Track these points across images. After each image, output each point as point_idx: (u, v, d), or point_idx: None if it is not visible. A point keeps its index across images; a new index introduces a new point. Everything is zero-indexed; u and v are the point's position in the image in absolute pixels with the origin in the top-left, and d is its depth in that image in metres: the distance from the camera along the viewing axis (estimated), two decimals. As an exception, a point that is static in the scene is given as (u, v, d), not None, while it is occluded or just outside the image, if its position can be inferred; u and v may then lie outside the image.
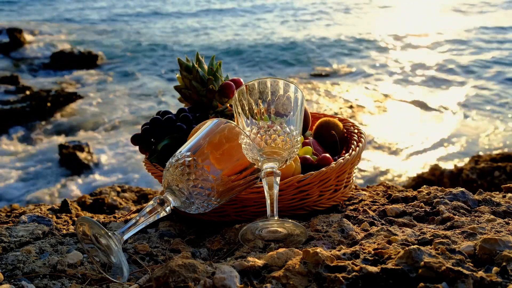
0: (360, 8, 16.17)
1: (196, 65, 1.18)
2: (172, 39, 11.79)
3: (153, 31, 12.90)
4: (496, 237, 0.67)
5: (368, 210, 0.96)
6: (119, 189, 1.91)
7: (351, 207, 1.00)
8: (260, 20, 14.50)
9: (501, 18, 12.84)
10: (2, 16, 15.83)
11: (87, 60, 10.16)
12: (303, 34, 11.84)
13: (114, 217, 1.13)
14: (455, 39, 10.69)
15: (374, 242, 0.76)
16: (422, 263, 0.59)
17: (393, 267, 0.60)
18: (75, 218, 1.10)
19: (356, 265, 0.63)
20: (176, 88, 1.21)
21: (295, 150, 0.87)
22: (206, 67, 1.20)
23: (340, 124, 1.19)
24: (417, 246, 0.63)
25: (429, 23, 12.89)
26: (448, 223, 0.84)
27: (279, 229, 0.80)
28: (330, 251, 0.71)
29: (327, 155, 1.00)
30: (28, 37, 12.11)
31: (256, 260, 0.67)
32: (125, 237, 0.72)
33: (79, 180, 5.02)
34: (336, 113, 6.69)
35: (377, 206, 0.99)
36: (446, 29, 11.72)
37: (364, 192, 1.12)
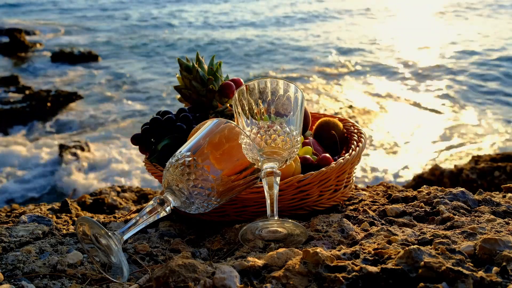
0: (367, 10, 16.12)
1: (196, 65, 1.18)
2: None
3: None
4: (496, 237, 0.67)
5: (368, 210, 0.96)
6: (119, 189, 1.91)
7: (351, 207, 1.00)
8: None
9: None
10: (2, 16, 15.83)
11: (88, 60, 10.18)
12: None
13: (114, 217, 1.13)
14: (456, 41, 10.69)
15: (374, 242, 0.76)
16: (422, 263, 0.59)
17: (393, 267, 0.60)
18: (75, 218, 1.10)
19: (356, 265, 0.63)
20: (176, 88, 1.21)
21: (295, 150, 0.87)
22: (206, 67, 1.20)
23: (340, 124, 1.19)
24: (417, 246, 0.63)
25: (430, 26, 12.88)
26: (448, 223, 0.84)
27: (279, 229, 0.80)
28: (330, 251, 0.71)
29: (327, 155, 1.00)
30: (28, 37, 12.11)
31: (256, 260, 0.67)
32: (125, 237, 0.72)
33: (79, 180, 5.02)
34: (336, 113, 6.69)
35: (377, 206, 0.99)
36: (449, 33, 11.71)
37: (364, 192, 1.12)
